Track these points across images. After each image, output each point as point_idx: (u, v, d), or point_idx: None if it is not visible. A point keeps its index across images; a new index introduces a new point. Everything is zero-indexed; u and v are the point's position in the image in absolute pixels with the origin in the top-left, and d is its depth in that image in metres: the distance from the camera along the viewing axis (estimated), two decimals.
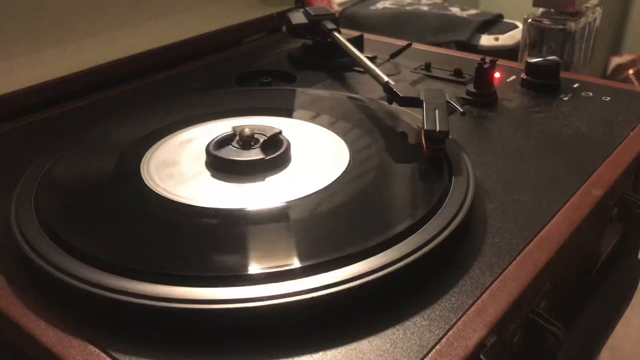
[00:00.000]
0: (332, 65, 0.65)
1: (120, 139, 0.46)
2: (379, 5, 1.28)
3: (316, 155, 0.43)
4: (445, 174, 0.40)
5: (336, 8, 1.28)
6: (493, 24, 1.15)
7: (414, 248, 0.33)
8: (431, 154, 0.42)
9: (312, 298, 0.30)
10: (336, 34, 0.64)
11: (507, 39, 1.11)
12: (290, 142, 0.43)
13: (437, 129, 0.41)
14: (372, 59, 0.64)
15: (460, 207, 0.36)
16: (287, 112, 0.51)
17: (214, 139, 0.43)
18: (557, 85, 0.58)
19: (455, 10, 1.22)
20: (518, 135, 0.49)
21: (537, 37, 0.74)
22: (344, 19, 1.16)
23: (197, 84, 0.62)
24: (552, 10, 0.74)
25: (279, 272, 0.31)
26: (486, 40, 1.11)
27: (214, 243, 0.35)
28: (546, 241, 0.36)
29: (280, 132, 0.43)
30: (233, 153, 0.42)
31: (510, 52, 1.07)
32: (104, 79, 0.61)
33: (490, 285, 0.33)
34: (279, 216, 0.37)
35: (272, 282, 0.30)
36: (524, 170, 0.44)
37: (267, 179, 0.40)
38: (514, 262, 0.35)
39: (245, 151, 0.42)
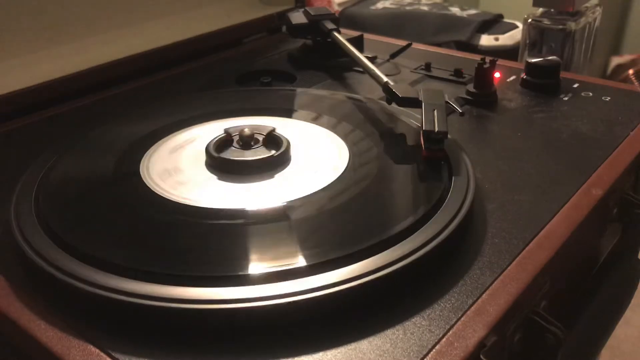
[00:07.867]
0: (332, 65, 0.65)
1: (120, 139, 0.46)
2: (379, 5, 1.28)
3: (316, 156, 0.43)
4: (445, 174, 0.40)
5: (336, 8, 1.28)
6: (493, 24, 1.16)
7: (414, 248, 0.33)
8: (430, 154, 0.42)
9: (312, 298, 0.30)
10: (336, 34, 0.64)
11: (507, 39, 1.11)
12: (290, 142, 0.43)
13: (436, 129, 0.41)
14: (372, 59, 0.64)
15: (460, 207, 0.36)
16: (287, 112, 0.51)
17: (213, 139, 0.43)
18: (557, 85, 0.58)
19: (455, 10, 1.22)
20: (518, 135, 0.49)
21: (537, 37, 0.74)
22: (344, 19, 1.17)
23: (197, 84, 0.62)
24: (552, 10, 0.74)
25: (278, 272, 0.31)
26: (486, 40, 1.11)
27: (214, 243, 0.35)
28: (546, 241, 0.36)
29: (274, 130, 0.43)
30: (233, 153, 0.42)
31: (510, 52, 1.07)
32: (104, 79, 0.61)
33: (490, 285, 0.33)
34: (278, 216, 0.37)
35: (271, 282, 0.30)
36: (524, 170, 0.44)
37: (266, 179, 0.40)
38: (514, 262, 0.35)
39: (245, 151, 0.42)
